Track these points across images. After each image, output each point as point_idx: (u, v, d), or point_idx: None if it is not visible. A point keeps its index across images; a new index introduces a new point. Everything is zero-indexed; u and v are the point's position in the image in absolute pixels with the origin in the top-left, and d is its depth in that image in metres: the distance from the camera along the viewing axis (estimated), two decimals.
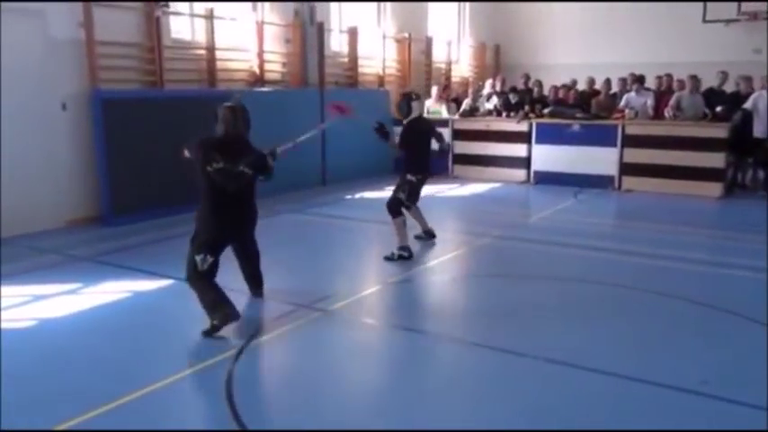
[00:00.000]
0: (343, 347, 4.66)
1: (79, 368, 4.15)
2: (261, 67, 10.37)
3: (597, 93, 12.13)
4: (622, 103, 11.34)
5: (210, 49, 9.55)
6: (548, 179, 11.29)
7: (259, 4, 10.37)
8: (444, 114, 12.55)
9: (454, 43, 15.51)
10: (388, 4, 13.12)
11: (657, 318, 5.13)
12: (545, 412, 3.63)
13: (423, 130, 7.00)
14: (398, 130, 13.13)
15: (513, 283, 6.06)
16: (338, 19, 12.17)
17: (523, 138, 11.60)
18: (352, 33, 12.20)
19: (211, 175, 4.62)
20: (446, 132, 12.20)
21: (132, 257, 6.54)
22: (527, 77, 13.07)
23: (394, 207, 6.82)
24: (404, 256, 6.61)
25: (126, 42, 8.45)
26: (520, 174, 11.68)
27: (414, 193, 6.97)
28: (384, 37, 13.00)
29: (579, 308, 5.37)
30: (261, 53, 10.34)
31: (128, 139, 8.03)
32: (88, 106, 7.89)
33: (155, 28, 8.62)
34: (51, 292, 5.45)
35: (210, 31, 9.50)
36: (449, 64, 15.19)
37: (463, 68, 15.91)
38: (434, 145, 7.02)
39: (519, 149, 11.66)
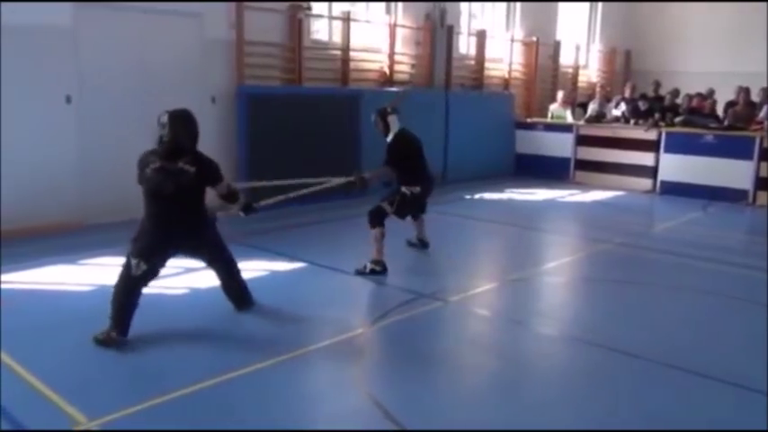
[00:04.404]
0: (457, 333, 4.98)
1: (224, 332, 4.69)
2: (390, 67, 10.79)
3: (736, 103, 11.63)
4: (762, 113, 10.82)
5: (345, 49, 10.08)
6: (675, 190, 10.95)
7: (393, 7, 10.81)
8: (569, 119, 12.49)
9: (583, 47, 15.30)
10: (518, 6, 13.19)
11: None
12: (656, 415, 3.71)
13: (413, 140, 6.39)
14: (520, 133, 13.15)
15: (631, 289, 6.06)
16: (467, 22, 12.41)
17: (651, 146, 11.32)
18: (481, 36, 12.39)
19: (149, 177, 4.40)
20: (570, 138, 12.18)
21: (268, 241, 7.11)
22: (657, 85, 12.73)
23: (375, 216, 6.10)
24: (376, 271, 5.96)
25: (270, 42, 9.12)
26: (645, 183, 11.41)
27: (404, 207, 6.28)
28: (512, 40, 13.09)
29: (697, 317, 5.36)
30: (392, 54, 10.76)
31: (267, 132, 8.69)
32: (234, 100, 8.60)
33: (296, 29, 9.25)
34: (200, 266, 6.05)
35: (346, 33, 10.03)
36: (576, 68, 15.00)
37: (591, 73, 15.66)
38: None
39: (646, 158, 11.39)
